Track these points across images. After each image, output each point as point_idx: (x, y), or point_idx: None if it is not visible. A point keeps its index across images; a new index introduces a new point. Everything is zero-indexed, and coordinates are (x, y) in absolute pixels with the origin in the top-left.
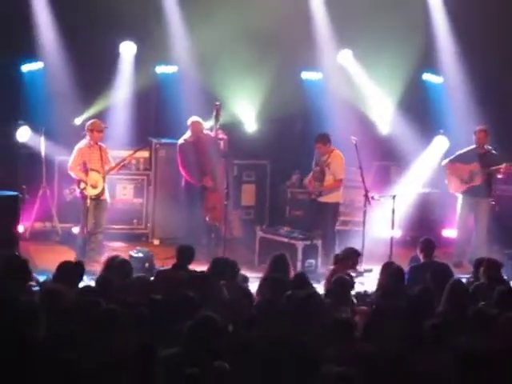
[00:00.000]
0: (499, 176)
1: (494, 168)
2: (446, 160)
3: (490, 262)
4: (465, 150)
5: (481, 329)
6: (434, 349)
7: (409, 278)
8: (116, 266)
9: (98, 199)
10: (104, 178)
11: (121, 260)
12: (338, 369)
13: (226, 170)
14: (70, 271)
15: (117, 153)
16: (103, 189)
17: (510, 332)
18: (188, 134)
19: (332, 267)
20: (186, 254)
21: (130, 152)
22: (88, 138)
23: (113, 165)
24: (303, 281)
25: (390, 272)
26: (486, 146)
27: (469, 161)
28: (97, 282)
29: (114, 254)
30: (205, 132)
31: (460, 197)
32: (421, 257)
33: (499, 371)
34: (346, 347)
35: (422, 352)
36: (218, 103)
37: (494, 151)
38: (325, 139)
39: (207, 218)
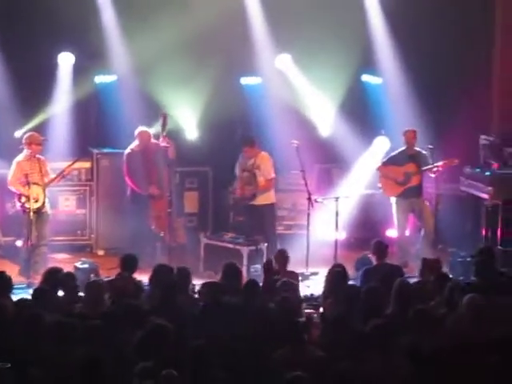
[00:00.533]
0: (432, 175)
1: (432, 166)
2: (379, 164)
3: (431, 261)
4: (395, 152)
5: (423, 328)
6: (379, 350)
7: (362, 281)
8: (61, 279)
9: (39, 212)
10: (44, 191)
11: (65, 273)
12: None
13: (169, 178)
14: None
15: (58, 164)
16: (44, 201)
17: (456, 331)
18: (135, 143)
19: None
20: (129, 263)
21: (69, 163)
22: (26, 151)
23: (52, 176)
24: (254, 288)
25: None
26: (415, 147)
27: (401, 162)
28: (34, 293)
29: (55, 266)
30: (152, 141)
31: (394, 200)
32: (373, 259)
33: (445, 370)
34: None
35: (368, 355)
36: (164, 112)
37: (423, 151)
38: (251, 142)
39: (153, 227)
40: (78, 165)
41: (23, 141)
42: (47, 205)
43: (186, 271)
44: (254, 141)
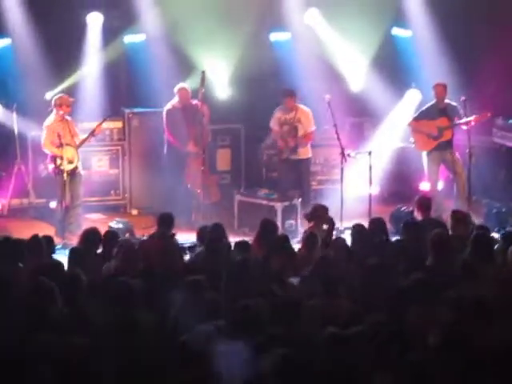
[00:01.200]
0: (464, 127)
1: (465, 121)
2: (411, 119)
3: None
4: (426, 106)
5: (469, 279)
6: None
7: (403, 234)
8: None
9: (73, 173)
10: (77, 152)
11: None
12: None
13: (204, 136)
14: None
15: (91, 125)
16: (78, 162)
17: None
18: (175, 100)
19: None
20: (166, 222)
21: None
22: (55, 112)
23: (83, 137)
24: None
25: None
26: (445, 100)
27: (433, 117)
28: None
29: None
30: (191, 101)
31: (425, 153)
32: (418, 215)
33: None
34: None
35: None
36: (203, 70)
37: (453, 103)
38: (292, 93)
39: (189, 185)
40: (110, 124)
41: (52, 103)
42: (80, 165)
43: (221, 227)
44: (295, 92)
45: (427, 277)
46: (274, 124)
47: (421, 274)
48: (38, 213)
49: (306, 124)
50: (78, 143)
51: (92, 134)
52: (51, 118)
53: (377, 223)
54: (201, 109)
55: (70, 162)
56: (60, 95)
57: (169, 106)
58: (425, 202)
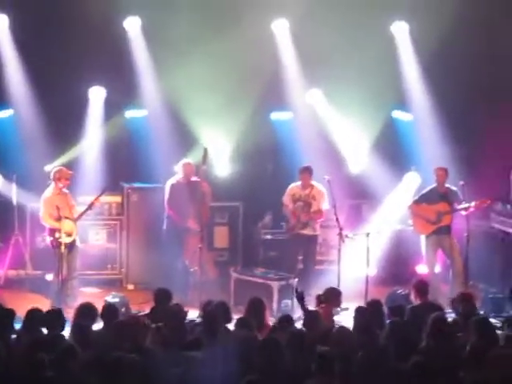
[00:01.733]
0: (463, 213)
1: (465, 206)
2: (411, 202)
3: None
4: (426, 189)
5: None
6: None
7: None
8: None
9: (70, 245)
10: (75, 225)
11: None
12: None
13: (204, 214)
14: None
15: (90, 198)
16: (76, 235)
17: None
18: (179, 176)
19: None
20: (163, 297)
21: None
22: (54, 185)
23: (81, 210)
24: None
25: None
26: (446, 185)
27: (433, 201)
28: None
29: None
30: (193, 177)
31: (423, 237)
32: (415, 299)
33: None
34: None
35: None
36: (206, 147)
37: (453, 188)
38: (311, 170)
39: (187, 262)
40: (109, 199)
41: (51, 176)
42: (78, 238)
43: (226, 305)
44: (312, 170)
45: (427, 360)
46: (287, 200)
47: (419, 357)
48: (34, 285)
49: (321, 201)
50: (76, 216)
51: (90, 206)
52: (49, 191)
53: (375, 306)
54: (202, 186)
55: (69, 235)
56: (59, 168)
57: (173, 180)
58: (422, 286)
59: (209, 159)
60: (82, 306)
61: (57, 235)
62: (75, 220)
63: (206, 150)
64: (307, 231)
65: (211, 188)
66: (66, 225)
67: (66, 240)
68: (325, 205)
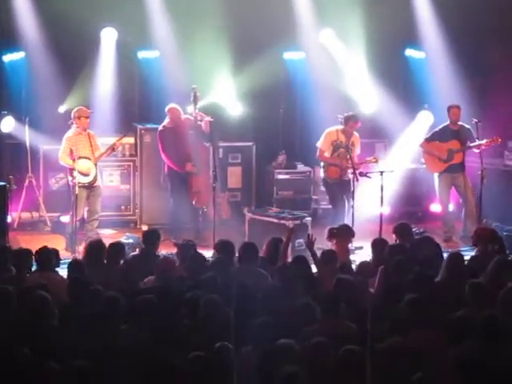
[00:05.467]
0: (476, 150)
1: (475, 144)
2: (422, 140)
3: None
4: (439, 127)
5: (477, 302)
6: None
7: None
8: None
9: (91, 186)
10: (96, 165)
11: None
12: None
13: (212, 153)
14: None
15: (102, 140)
16: (96, 176)
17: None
18: (167, 121)
19: (331, 245)
20: (151, 239)
21: (118, 137)
22: (75, 125)
23: (102, 151)
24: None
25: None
26: (459, 123)
27: (445, 139)
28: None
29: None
30: (183, 117)
31: (436, 175)
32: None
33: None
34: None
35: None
36: (194, 87)
37: (466, 126)
38: (358, 119)
39: (194, 203)
40: (122, 140)
41: (72, 115)
42: (99, 179)
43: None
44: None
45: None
46: (324, 145)
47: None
48: (51, 226)
49: (358, 149)
50: (96, 156)
51: (112, 148)
52: (71, 131)
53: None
54: (194, 125)
55: (85, 175)
56: (78, 107)
57: (160, 127)
58: (401, 229)
59: (198, 99)
60: (89, 243)
61: (75, 174)
62: (95, 160)
63: (194, 90)
64: (347, 177)
65: (209, 124)
66: (83, 165)
67: (82, 180)
68: (358, 150)
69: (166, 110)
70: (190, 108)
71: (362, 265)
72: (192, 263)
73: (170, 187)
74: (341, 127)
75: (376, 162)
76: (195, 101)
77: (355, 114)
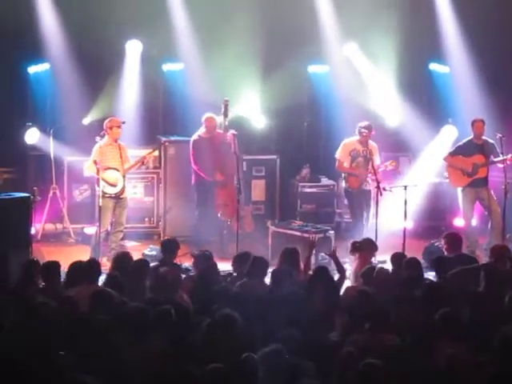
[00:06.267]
0: (500, 165)
1: (500, 159)
2: (446, 154)
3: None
4: (463, 141)
5: None
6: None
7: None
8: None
9: (117, 198)
10: (124, 177)
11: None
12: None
13: (237, 165)
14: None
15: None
16: (123, 187)
17: None
18: (202, 130)
19: (354, 259)
20: (170, 248)
21: (147, 150)
22: (107, 136)
23: (131, 163)
24: (324, 274)
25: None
26: (483, 137)
27: (469, 153)
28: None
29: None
30: (218, 130)
31: (460, 189)
32: (448, 252)
33: None
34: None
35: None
36: (226, 99)
37: (490, 140)
38: (372, 128)
39: (219, 215)
40: (146, 152)
41: (104, 125)
42: (126, 191)
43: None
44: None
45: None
46: (343, 156)
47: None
48: (76, 238)
49: (377, 158)
50: (125, 168)
51: (142, 162)
52: (103, 141)
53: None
54: (225, 138)
55: (113, 186)
56: (110, 118)
57: (195, 136)
58: (453, 239)
59: (229, 111)
60: (117, 256)
61: (101, 185)
62: (124, 172)
63: (226, 103)
64: (367, 187)
65: (236, 138)
66: (111, 175)
67: (109, 191)
68: (377, 159)
69: (203, 119)
70: (220, 119)
71: (380, 272)
72: (205, 274)
73: (196, 198)
74: (357, 137)
75: (395, 165)
76: (225, 113)
77: (368, 123)
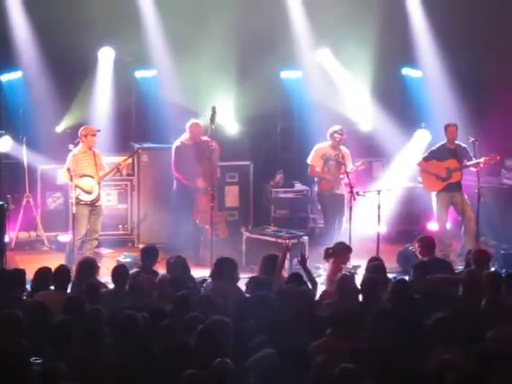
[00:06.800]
0: (473, 169)
1: (474, 162)
2: (420, 159)
3: (479, 253)
4: (436, 146)
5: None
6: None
7: (414, 275)
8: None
9: (93, 205)
10: (99, 184)
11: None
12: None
13: (212, 172)
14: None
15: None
16: (98, 194)
17: None
18: (185, 136)
19: (328, 265)
20: (150, 255)
21: (123, 157)
22: (81, 144)
23: (106, 171)
24: (299, 280)
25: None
26: (455, 141)
27: (442, 158)
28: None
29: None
30: (201, 137)
31: (434, 193)
32: (422, 256)
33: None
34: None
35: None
36: (214, 106)
37: (463, 144)
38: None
39: (197, 221)
40: (119, 159)
41: (79, 133)
42: (101, 198)
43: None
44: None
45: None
46: (314, 160)
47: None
48: (46, 246)
49: (349, 162)
50: (100, 176)
51: (117, 169)
52: (77, 148)
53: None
54: (210, 145)
55: (88, 193)
56: (84, 126)
57: (178, 142)
58: (427, 242)
59: (216, 118)
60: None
61: (77, 192)
62: (99, 179)
63: (214, 109)
64: (340, 190)
65: (220, 147)
66: (86, 183)
67: (84, 198)
68: (350, 165)
69: (188, 125)
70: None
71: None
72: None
73: (175, 204)
74: (329, 142)
75: (366, 166)
76: (213, 119)
77: (340, 128)
